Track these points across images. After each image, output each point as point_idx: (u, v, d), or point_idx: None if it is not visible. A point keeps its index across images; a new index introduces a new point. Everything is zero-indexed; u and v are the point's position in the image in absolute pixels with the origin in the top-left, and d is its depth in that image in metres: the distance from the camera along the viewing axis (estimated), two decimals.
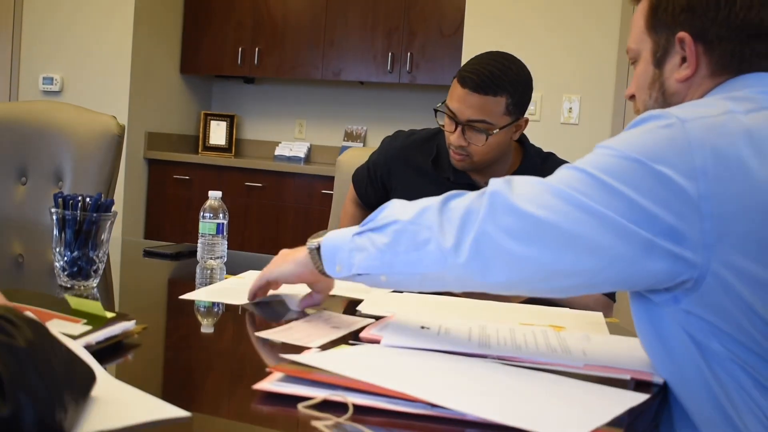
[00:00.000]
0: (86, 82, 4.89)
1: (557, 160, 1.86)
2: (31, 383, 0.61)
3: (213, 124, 5.36)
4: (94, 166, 2.20)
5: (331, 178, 3.02)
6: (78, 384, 0.70)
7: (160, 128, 5.09)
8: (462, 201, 0.98)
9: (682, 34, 1.05)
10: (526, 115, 1.81)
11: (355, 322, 1.19)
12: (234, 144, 5.38)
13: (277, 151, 5.17)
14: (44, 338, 0.68)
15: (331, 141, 5.24)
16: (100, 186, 2.19)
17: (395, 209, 1.04)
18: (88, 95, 4.78)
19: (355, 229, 1.08)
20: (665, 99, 1.08)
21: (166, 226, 4.91)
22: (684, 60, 1.06)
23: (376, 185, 2.00)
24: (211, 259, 1.68)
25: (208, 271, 1.64)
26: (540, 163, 1.83)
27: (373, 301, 1.39)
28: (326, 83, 5.24)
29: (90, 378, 0.73)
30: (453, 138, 1.74)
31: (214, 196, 1.69)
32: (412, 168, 1.91)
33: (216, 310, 1.33)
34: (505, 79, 1.68)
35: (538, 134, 4.10)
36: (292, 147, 5.17)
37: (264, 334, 1.11)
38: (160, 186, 4.97)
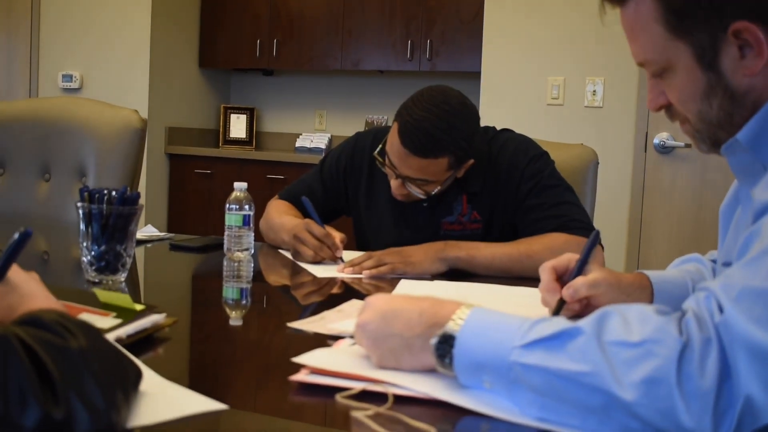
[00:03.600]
0: (105, 78, 4.89)
1: (505, 139, 1.79)
2: (84, 386, 0.61)
3: (233, 117, 5.34)
4: (118, 160, 2.20)
5: None
6: (128, 382, 0.70)
7: (180, 123, 5.06)
8: (696, 365, 0.73)
9: (737, 25, 0.89)
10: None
11: None
12: (254, 137, 5.36)
13: (298, 143, 5.15)
14: (97, 340, 0.68)
15: (351, 131, 5.06)
16: (124, 180, 2.18)
17: (589, 347, 0.77)
18: (107, 91, 4.79)
19: (514, 340, 0.79)
20: (735, 101, 0.92)
21: (189, 221, 4.90)
22: (743, 48, 0.90)
23: (336, 180, 1.92)
24: (238, 251, 1.67)
25: (236, 264, 1.65)
26: (489, 156, 1.77)
27: (409, 288, 1.39)
28: (345, 73, 5.18)
29: (138, 375, 0.73)
30: (393, 185, 1.70)
31: (240, 187, 1.68)
32: (374, 177, 1.86)
33: (244, 302, 1.35)
34: (446, 139, 1.59)
35: (561, 119, 4.06)
36: (312, 138, 5.15)
37: (296, 324, 1.10)
38: (181, 181, 4.96)
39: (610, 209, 3.89)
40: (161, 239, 1.93)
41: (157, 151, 4.88)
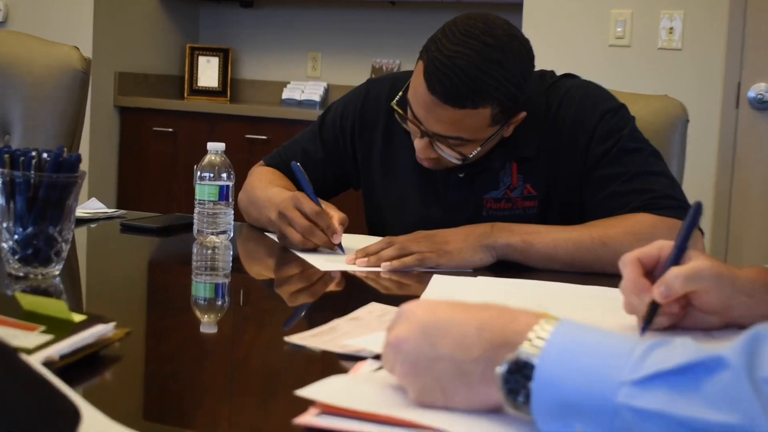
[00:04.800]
0: (37, 9, 4.88)
1: (568, 87, 1.78)
2: None
3: (202, 61, 5.40)
4: (51, 113, 2.20)
5: None
6: (60, 429, 0.67)
7: (133, 67, 5.10)
8: None
9: None
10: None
11: None
12: (229, 86, 5.42)
13: (285, 94, 5.20)
14: (12, 368, 0.66)
15: (353, 79, 5.19)
16: (61, 139, 2.19)
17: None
18: (39, 26, 4.73)
19: (622, 372, 0.72)
20: None
21: (145, 194, 4.93)
22: None
23: (341, 140, 1.95)
24: (212, 234, 1.67)
25: (209, 251, 1.66)
26: (548, 109, 1.76)
27: (444, 287, 1.41)
28: (346, 4, 5.24)
29: (74, 418, 0.70)
30: (418, 147, 1.69)
31: (215, 149, 1.68)
32: (392, 133, 1.88)
33: (220, 303, 1.37)
34: (489, 82, 1.57)
35: (628, 64, 4.07)
36: (304, 88, 5.20)
37: (296, 339, 1.07)
38: (135, 142, 5.00)
39: (690, 180, 3.83)
40: (109, 217, 1.95)
41: (104, 104, 4.91)
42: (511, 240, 1.58)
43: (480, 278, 1.49)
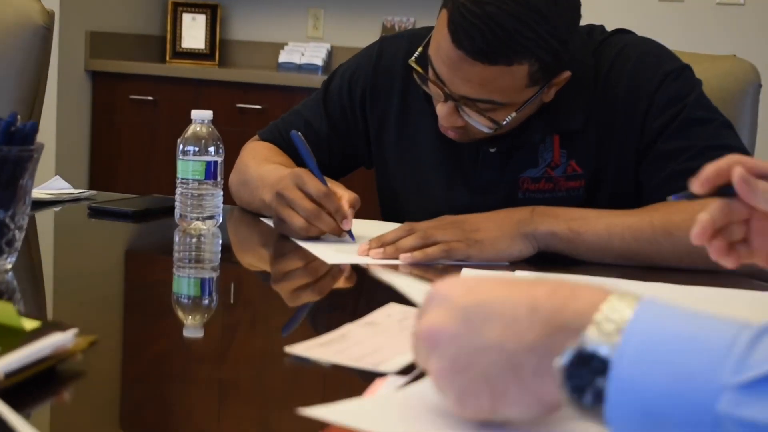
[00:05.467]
0: None
1: (622, 45, 1.77)
2: None
3: (186, 18, 5.41)
4: (7, 73, 2.20)
5: None
6: None
7: (107, 26, 5.11)
8: None
9: None
10: None
11: None
12: (218, 48, 5.44)
13: (282, 57, 5.22)
14: None
15: (361, 40, 5.15)
16: (18, 106, 2.19)
17: None
18: None
19: (723, 371, 0.66)
20: None
21: (121, 172, 4.95)
22: None
23: (349, 110, 1.95)
24: (198, 219, 1.66)
25: (194, 240, 1.65)
26: (597, 71, 1.74)
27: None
28: None
29: None
30: (442, 113, 1.67)
31: (201, 117, 1.67)
32: (410, 99, 1.88)
33: (207, 302, 1.37)
34: (525, 33, 1.54)
35: (679, 21, 4.12)
36: (304, 50, 5.21)
37: (299, 349, 1.04)
38: (109, 112, 5.00)
39: (764, 155, 3.83)
40: (75, 199, 1.93)
41: (74, 68, 4.91)
42: (556, 227, 1.56)
43: (518, 273, 1.46)
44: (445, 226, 1.55)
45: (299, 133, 1.70)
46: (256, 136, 2.00)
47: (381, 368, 0.96)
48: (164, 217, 1.78)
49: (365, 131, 1.92)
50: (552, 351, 0.71)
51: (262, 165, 1.82)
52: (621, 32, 1.81)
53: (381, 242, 1.53)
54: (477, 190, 1.77)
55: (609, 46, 1.76)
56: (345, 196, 1.63)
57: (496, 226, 1.56)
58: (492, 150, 1.74)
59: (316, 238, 1.61)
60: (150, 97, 4.92)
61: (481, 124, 1.64)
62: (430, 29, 1.71)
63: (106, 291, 1.42)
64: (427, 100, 1.73)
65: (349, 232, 1.60)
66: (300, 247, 1.58)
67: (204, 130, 1.63)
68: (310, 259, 1.53)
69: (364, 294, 1.43)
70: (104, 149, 5.03)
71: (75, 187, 1.96)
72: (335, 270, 1.48)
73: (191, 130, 1.63)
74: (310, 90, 4.62)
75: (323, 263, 1.49)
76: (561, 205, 1.64)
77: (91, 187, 4.69)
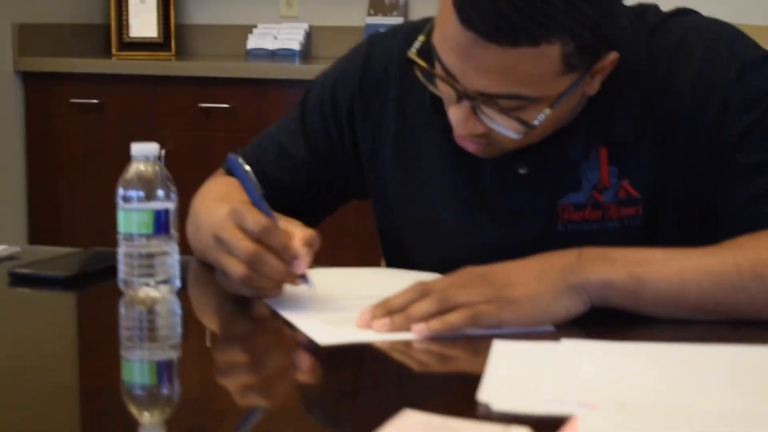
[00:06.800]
0: None
1: (685, 29, 1.71)
2: None
3: (133, 2, 5.33)
4: None
5: None
6: None
7: (39, 16, 5.07)
8: None
9: None
10: None
11: None
12: (173, 35, 5.37)
13: (252, 43, 5.19)
14: None
15: (344, 17, 5.25)
16: None
17: None
18: None
19: None
20: None
21: (62, 194, 4.92)
22: None
23: (334, 129, 1.90)
24: (147, 284, 1.57)
25: (144, 313, 1.58)
26: (652, 64, 1.69)
27: (503, 366, 1.30)
28: None
29: None
30: (456, 118, 1.61)
31: (144, 153, 1.57)
32: (408, 108, 1.84)
33: (167, 392, 1.32)
34: (557, 4, 1.49)
35: None
36: (277, 33, 5.17)
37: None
38: (46, 119, 4.94)
39: None
40: None
41: (0, 68, 4.89)
42: (613, 275, 1.47)
43: (565, 342, 1.37)
44: (467, 282, 1.46)
45: (237, 157, 1.65)
46: (221, 170, 1.96)
47: None
48: (108, 279, 1.65)
49: (354, 153, 1.86)
50: None
51: (213, 206, 1.75)
52: (681, 13, 1.74)
53: (386, 309, 1.43)
54: (502, 222, 1.71)
55: (667, 32, 1.69)
56: (298, 233, 1.56)
57: (535, 277, 1.47)
58: (521, 171, 1.68)
59: (259, 293, 1.56)
60: (95, 100, 4.85)
61: (506, 128, 1.55)
62: (427, 22, 1.67)
63: (26, 391, 1.31)
64: (434, 107, 1.68)
65: (303, 277, 1.55)
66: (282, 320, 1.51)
67: (149, 169, 1.54)
68: (291, 338, 1.47)
69: (359, 395, 1.33)
70: (41, 164, 4.99)
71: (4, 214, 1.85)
72: (325, 354, 1.38)
73: (133, 168, 1.54)
74: (286, 82, 4.73)
75: (308, 342, 1.41)
76: (615, 240, 1.59)
77: (29, 213, 4.87)
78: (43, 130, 4.98)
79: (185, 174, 1.78)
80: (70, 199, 4.90)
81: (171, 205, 1.55)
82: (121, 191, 1.55)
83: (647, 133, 1.66)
